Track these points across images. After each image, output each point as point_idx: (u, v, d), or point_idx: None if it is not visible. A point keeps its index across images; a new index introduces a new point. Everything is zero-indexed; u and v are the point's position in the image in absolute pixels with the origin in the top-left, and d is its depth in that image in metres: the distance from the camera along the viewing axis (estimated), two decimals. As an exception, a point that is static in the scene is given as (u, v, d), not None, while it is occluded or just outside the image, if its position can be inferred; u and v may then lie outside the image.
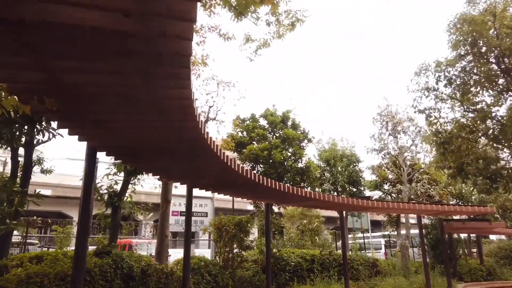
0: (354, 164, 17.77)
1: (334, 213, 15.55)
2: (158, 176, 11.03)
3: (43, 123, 6.63)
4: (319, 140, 18.19)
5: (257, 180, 7.68)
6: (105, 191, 8.27)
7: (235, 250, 10.94)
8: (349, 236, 22.62)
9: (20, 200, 5.84)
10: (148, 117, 4.39)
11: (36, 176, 9.29)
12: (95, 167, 6.31)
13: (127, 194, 8.69)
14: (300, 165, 13.67)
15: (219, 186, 8.93)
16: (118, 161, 6.66)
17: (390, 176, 19.62)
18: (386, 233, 26.63)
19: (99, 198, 8.00)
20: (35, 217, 14.47)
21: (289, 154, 13.24)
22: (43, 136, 6.84)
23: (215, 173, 7.20)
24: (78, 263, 5.02)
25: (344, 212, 14.04)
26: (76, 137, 5.02)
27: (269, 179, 8.03)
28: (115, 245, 7.65)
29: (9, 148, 7.23)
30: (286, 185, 8.83)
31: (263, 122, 14.79)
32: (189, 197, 8.49)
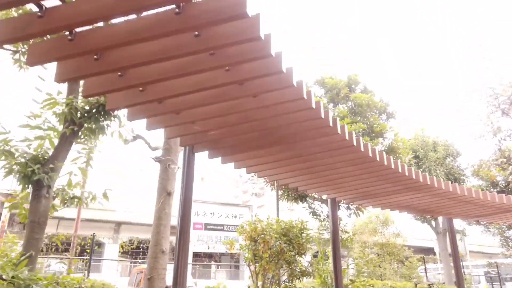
0: (453, 158, 12.60)
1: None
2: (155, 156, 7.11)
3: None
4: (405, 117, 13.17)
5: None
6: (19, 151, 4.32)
7: (282, 278, 6.48)
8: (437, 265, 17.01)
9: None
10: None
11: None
12: None
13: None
14: (380, 146, 8.98)
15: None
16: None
17: (499, 179, 14.05)
18: (488, 261, 20.48)
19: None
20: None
21: (365, 127, 8.62)
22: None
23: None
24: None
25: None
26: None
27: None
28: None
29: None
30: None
31: (318, 91, 10.39)
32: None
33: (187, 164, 4.45)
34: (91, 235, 10.98)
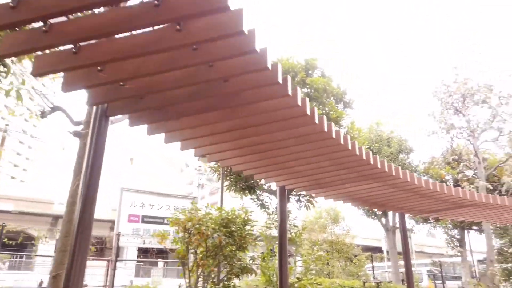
0: (406, 154, 12.43)
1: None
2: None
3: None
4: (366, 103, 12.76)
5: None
6: None
7: (221, 275, 5.64)
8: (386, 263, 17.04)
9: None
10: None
11: None
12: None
13: None
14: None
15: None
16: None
17: (447, 178, 14.17)
18: (430, 260, 21.01)
19: None
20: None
21: (321, 113, 8.00)
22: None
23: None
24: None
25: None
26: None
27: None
28: None
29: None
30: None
31: (274, 75, 9.67)
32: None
33: (97, 130, 3.48)
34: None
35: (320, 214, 14.77)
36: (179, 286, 5.38)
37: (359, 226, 22.81)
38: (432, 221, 15.32)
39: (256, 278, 8.50)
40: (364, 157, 5.02)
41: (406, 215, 13.93)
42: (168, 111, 3.77)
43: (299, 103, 3.61)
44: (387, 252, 15.03)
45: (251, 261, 5.75)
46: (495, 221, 9.22)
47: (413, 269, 16.70)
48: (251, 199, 8.96)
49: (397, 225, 14.02)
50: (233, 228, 5.74)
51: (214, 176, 10.04)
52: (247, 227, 6.01)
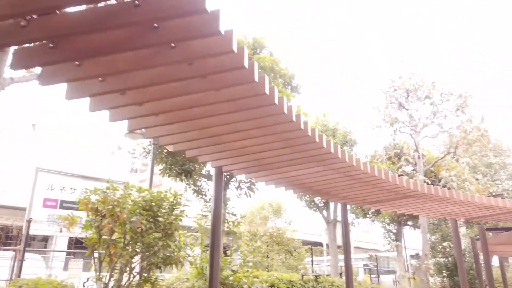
0: (350, 146, 12.31)
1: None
2: None
3: None
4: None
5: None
6: None
7: (141, 268, 4.82)
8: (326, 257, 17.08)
9: None
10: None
11: None
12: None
13: None
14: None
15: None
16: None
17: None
18: (364, 255, 21.50)
19: None
20: None
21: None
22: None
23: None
24: None
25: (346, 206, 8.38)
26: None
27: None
28: None
29: None
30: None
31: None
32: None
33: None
34: None
35: (262, 206, 14.32)
36: (87, 280, 4.49)
37: (302, 221, 22.84)
38: (371, 215, 15.54)
39: (189, 271, 7.79)
40: (309, 133, 4.50)
41: (348, 208, 13.92)
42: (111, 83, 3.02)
43: (245, 63, 2.92)
44: (327, 245, 14.96)
45: (177, 251, 4.99)
46: (435, 214, 9.29)
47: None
48: (187, 184, 8.18)
49: (338, 218, 14.03)
50: (158, 213, 4.94)
51: (148, 158, 9.09)
52: (176, 212, 5.24)
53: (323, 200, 14.14)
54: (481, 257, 11.32)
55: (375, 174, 6.14)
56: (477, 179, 13.26)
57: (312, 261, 14.74)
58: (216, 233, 5.33)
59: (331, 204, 13.94)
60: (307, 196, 14.20)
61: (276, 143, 4.82)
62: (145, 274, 4.81)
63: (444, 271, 11.05)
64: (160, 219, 4.89)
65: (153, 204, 4.92)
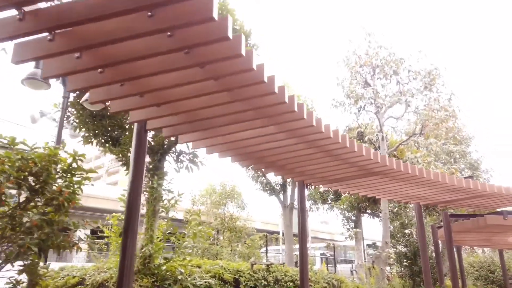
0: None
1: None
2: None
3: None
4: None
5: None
6: None
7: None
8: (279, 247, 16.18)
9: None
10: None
11: None
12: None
13: None
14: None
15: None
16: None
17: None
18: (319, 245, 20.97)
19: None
20: None
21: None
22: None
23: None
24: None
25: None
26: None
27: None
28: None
29: None
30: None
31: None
32: None
33: None
34: None
35: (213, 188, 13.09)
36: None
37: (260, 211, 21.87)
38: (330, 202, 14.81)
39: (114, 260, 6.48)
40: (265, 80, 3.31)
41: (307, 193, 12.95)
42: None
43: None
44: (283, 232, 14.02)
45: (71, 231, 3.65)
46: (399, 198, 8.50)
47: (308, 251, 16.13)
48: (115, 155, 6.78)
49: (296, 204, 13.13)
50: (46, 178, 3.58)
51: (73, 126, 7.53)
52: (76, 179, 3.89)
53: (279, 183, 13.18)
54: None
55: (338, 141, 5.10)
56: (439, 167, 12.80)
57: (266, 249, 13.75)
58: (133, 211, 4.04)
59: (289, 189, 13.00)
60: (260, 173, 13.10)
61: (223, 93, 3.60)
62: (24, 262, 3.45)
63: (404, 260, 10.42)
64: (47, 186, 3.53)
65: (40, 166, 3.54)
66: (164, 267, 6.08)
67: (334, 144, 5.23)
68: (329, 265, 17.74)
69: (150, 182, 6.27)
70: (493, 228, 8.99)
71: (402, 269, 10.88)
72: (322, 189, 15.44)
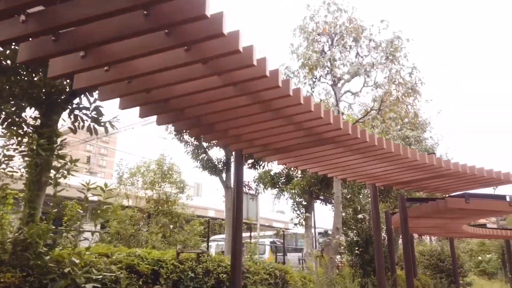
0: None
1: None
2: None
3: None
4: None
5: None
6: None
7: None
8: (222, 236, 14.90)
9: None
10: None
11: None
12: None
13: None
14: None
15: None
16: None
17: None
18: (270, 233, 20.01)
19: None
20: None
21: None
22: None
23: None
24: None
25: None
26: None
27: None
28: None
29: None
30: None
31: None
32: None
33: None
34: None
35: (147, 165, 11.50)
36: None
37: (213, 199, 20.38)
38: (281, 185, 13.74)
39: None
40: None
41: (255, 176, 11.65)
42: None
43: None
44: (226, 216, 12.74)
45: None
46: (354, 176, 7.46)
47: (254, 240, 15.06)
48: None
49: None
50: None
51: None
52: None
53: (223, 160, 11.82)
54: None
55: (289, 93, 3.81)
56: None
57: (208, 236, 12.42)
58: None
59: (233, 168, 11.72)
60: (201, 150, 11.70)
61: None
62: None
63: (356, 249, 9.55)
64: None
65: None
66: (47, 257, 4.56)
67: (283, 98, 3.94)
68: (279, 254, 16.80)
69: (32, 143, 4.66)
70: (452, 212, 8.27)
71: (353, 257, 10.06)
72: (273, 171, 14.33)
